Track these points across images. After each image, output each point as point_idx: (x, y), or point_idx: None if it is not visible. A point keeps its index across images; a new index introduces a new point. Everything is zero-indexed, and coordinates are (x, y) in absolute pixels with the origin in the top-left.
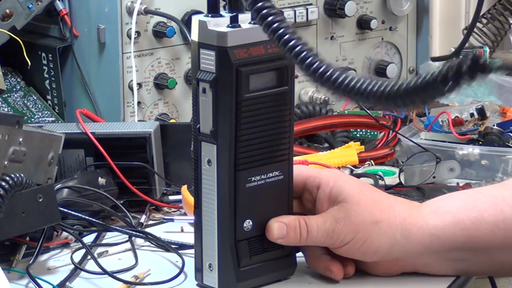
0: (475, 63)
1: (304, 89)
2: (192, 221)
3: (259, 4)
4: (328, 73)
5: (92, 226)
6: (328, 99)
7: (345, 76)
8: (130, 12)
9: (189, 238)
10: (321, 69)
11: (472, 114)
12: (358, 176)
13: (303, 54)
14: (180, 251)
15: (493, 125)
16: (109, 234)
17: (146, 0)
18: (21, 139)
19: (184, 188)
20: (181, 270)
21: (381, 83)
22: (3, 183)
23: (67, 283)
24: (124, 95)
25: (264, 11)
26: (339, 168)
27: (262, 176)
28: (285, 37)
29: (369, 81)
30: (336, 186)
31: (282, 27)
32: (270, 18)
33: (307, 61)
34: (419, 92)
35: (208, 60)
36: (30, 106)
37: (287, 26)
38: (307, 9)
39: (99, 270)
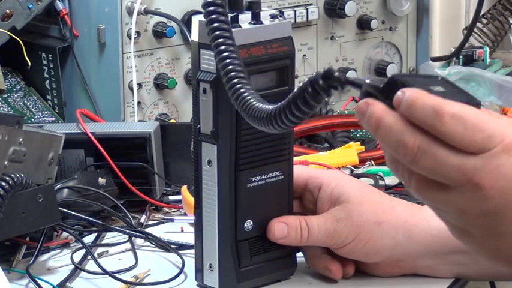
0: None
1: None
2: (192, 221)
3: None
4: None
5: (92, 226)
6: (328, 99)
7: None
8: (130, 12)
9: (189, 238)
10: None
11: None
12: (358, 176)
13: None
14: (180, 251)
15: None
16: (109, 234)
17: (146, 0)
18: (21, 139)
19: (184, 188)
20: (181, 270)
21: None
22: (3, 183)
23: (67, 283)
24: (124, 95)
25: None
26: (339, 168)
27: (263, 176)
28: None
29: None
30: (337, 187)
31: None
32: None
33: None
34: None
35: (209, 60)
36: (30, 106)
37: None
38: (307, 9)
39: (99, 270)
